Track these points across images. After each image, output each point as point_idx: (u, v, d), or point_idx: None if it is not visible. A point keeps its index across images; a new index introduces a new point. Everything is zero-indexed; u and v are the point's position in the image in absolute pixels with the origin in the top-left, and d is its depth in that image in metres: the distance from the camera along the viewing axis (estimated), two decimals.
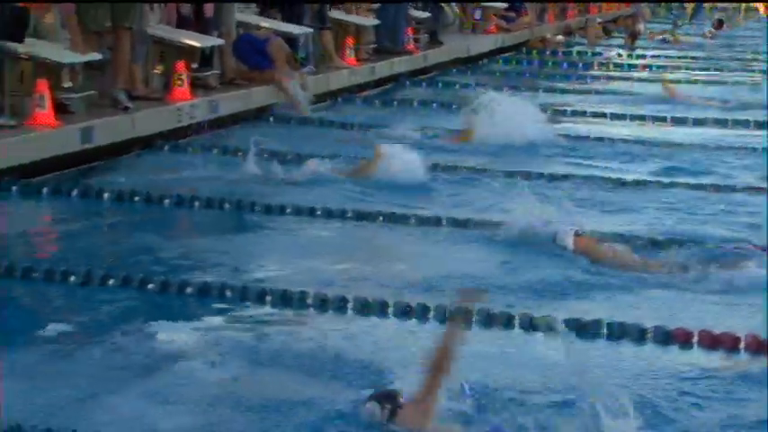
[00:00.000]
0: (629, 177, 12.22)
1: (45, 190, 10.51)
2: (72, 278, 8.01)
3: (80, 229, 9.93)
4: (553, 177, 11.95)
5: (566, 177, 12.00)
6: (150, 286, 7.91)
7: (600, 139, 14.60)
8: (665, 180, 12.14)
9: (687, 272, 8.47)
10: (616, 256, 8.73)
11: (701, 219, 10.70)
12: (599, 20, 29.40)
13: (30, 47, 11.90)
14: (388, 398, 5.63)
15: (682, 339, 7.31)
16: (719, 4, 39.30)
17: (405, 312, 7.61)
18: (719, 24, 32.85)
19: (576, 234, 8.77)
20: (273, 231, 9.92)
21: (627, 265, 8.61)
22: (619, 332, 7.36)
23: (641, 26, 30.31)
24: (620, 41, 27.72)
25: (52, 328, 7.10)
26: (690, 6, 35.50)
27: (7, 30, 11.02)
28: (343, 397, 6.15)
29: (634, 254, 8.77)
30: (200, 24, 14.72)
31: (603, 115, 16.57)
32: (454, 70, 21.03)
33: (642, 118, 16.57)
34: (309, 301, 7.77)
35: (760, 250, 8.93)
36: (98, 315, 7.56)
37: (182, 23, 14.62)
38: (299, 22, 16.57)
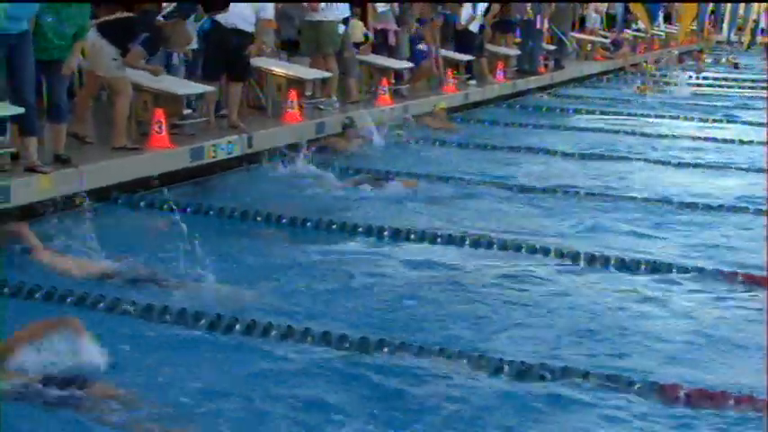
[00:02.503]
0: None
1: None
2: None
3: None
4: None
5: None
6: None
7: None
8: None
9: None
10: None
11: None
12: (676, 51, 28.63)
13: (283, 67, 12.24)
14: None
15: None
16: None
17: None
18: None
19: None
20: None
21: None
22: None
23: (704, 56, 29.52)
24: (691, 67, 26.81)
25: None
26: (746, 41, 33.69)
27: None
28: None
29: None
30: (387, 51, 14.67)
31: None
32: (572, 85, 20.84)
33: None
34: None
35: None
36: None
37: (373, 51, 14.52)
38: (466, 52, 16.70)
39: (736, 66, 27.67)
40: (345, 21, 12.90)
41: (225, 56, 10.59)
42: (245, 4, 10.56)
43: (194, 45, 10.98)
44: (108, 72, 9.18)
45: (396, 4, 14.98)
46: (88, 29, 8.50)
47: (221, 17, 10.55)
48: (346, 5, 12.91)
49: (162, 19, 9.83)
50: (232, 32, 10.53)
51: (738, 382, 5.12)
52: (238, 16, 10.54)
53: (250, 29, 10.66)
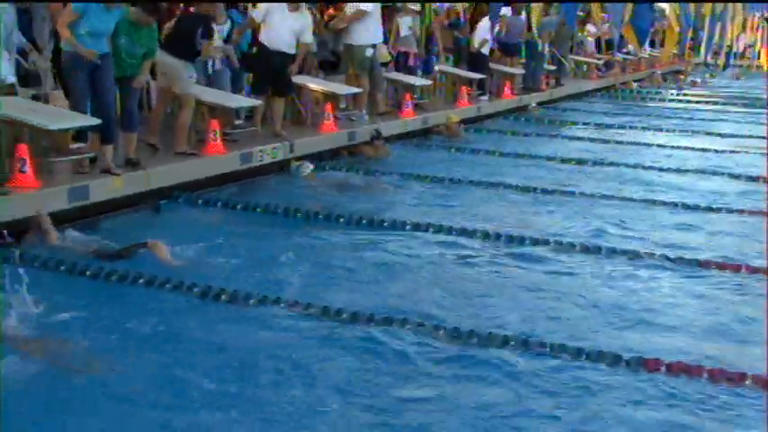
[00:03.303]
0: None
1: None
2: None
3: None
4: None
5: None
6: None
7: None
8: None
9: None
10: None
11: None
12: (660, 71, 28.57)
13: (320, 84, 12.38)
14: None
15: None
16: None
17: None
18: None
19: None
20: None
21: None
22: None
23: (682, 76, 29.61)
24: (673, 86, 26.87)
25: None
26: (722, 63, 33.26)
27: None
28: None
29: None
30: (406, 70, 14.72)
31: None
32: (570, 101, 20.86)
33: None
34: None
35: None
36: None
37: (396, 69, 14.60)
38: (479, 71, 16.80)
39: (694, 84, 27.94)
40: (373, 45, 13.04)
41: (270, 74, 10.83)
42: (288, 30, 10.75)
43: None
44: (184, 89, 9.40)
45: (418, 30, 15.09)
46: (156, 49, 8.70)
47: (267, 41, 10.78)
48: (379, 32, 13.05)
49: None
50: (276, 54, 10.75)
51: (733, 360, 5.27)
52: (282, 41, 10.76)
53: (292, 51, 10.87)
